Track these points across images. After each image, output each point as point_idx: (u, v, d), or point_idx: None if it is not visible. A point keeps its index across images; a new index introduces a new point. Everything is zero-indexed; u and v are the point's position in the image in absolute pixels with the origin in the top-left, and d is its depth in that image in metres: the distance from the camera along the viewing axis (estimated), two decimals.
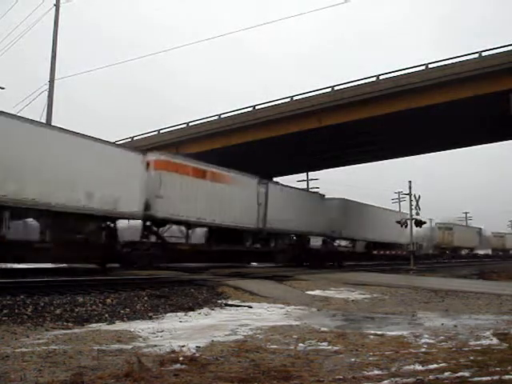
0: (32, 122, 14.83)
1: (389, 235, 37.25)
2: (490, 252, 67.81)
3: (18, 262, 15.89)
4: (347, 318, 9.03)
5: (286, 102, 28.93)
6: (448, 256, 51.20)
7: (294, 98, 28.65)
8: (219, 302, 10.95)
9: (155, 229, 19.61)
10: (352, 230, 32.80)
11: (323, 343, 6.20)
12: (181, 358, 5.11)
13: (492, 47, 23.06)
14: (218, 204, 21.16)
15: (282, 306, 10.50)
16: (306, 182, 45.97)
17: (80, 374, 4.43)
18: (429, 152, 39.71)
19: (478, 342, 6.29)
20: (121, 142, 36.88)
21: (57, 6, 24.40)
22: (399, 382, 4.34)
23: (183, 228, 20.82)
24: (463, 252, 58.15)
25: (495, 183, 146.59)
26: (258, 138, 30.00)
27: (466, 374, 4.59)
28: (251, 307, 10.17)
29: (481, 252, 63.89)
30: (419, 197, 28.98)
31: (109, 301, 9.76)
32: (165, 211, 18.57)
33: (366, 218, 34.74)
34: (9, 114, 14.11)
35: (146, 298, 10.45)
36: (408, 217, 29.15)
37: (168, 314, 9.04)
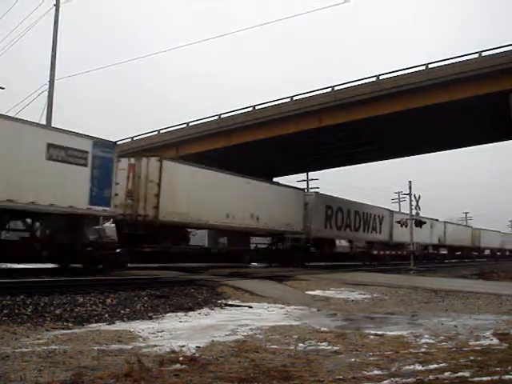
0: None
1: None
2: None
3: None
4: (347, 318, 9.02)
5: (286, 102, 28.92)
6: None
7: (294, 98, 28.65)
8: (219, 302, 10.93)
9: None
10: None
11: (323, 343, 6.20)
12: (181, 358, 5.11)
13: (492, 47, 23.12)
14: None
15: (282, 306, 10.49)
16: (305, 182, 46.02)
17: (80, 374, 4.42)
18: (429, 152, 39.72)
19: (478, 342, 6.29)
20: (120, 142, 36.90)
21: (57, 6, 24.39)
22: (399, 382, 4.34)
23: None
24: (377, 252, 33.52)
25: (495, 183, 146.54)
26: (258, 138, 30.00)
27: (466, 374, 4.58)
28: (251, 307, 10.16)
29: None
30: (419, 197, 28.94)
31: (109, 301, 9.75)
32: None
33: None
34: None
35: (146, 298, 10.43)
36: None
37: (168, 314, 9.03)
